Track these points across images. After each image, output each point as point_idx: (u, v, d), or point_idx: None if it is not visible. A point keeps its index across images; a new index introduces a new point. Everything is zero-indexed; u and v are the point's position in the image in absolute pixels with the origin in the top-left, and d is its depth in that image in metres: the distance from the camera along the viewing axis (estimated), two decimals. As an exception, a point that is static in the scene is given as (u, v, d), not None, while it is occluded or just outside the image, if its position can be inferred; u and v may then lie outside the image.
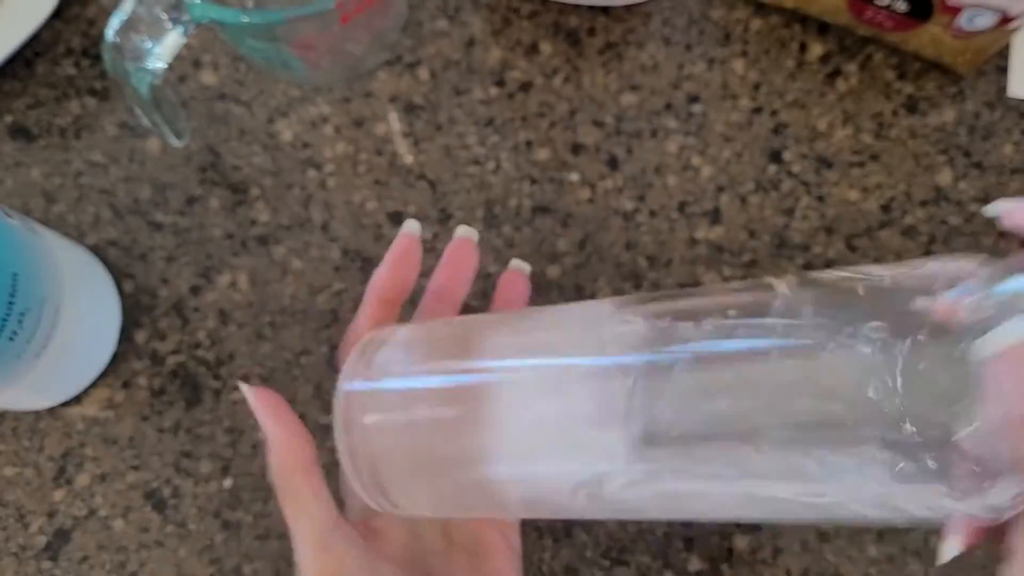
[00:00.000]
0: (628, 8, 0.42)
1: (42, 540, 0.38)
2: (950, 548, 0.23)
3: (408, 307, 0.39)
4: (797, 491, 0.19)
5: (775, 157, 0.41)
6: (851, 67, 0.42)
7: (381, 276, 0.33)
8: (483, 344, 0.24)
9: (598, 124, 0.41)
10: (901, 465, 0.17)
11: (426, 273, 0.40)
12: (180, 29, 0.32)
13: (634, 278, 0.40)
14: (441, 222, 0.40)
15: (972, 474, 0.17)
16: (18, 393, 0.35)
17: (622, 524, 0.37)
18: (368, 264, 0.40)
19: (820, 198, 0.40)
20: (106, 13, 0.43)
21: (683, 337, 0.20)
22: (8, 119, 0.41)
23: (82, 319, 0.36)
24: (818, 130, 0.41)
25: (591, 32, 0.42)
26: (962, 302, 0.18)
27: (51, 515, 0.38)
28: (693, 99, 0.41)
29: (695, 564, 0.37)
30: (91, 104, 0.42)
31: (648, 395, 0.20)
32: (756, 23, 0.42)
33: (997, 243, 0.40)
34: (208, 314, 0.39)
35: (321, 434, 0.38)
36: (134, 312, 0.39)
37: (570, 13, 0.42)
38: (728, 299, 0.20)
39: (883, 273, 0.19)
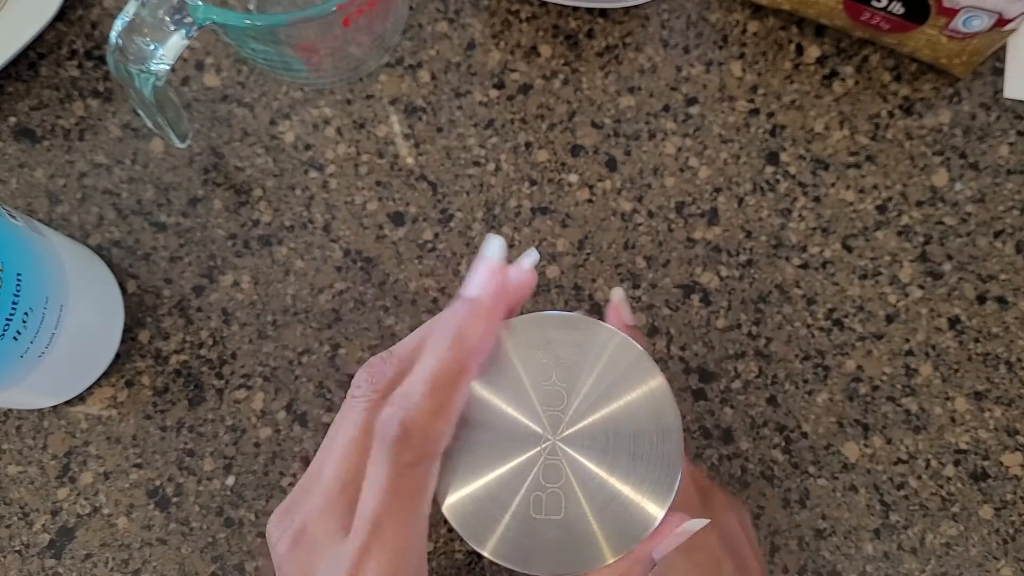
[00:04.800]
0: (626, 11, 0.43)
1: (45, 538, 0.38)
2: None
3: (410, 307, 0.40)
4: None
5: (772, 158, 0.41)
6: (847, 69, 0.42)
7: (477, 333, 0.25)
8: None
9: (597, 126, 0.42)
10: None
11: (427, 273, 0.40)
12: (183, 32, 0.32)
13: (632, 278, 0.40)
14: (442, 223, 0.40)
15: None
16: (22, 392, 0.35)
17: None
18: (369, 264, 0.40)
19: (817, 199, 0.41)
20: (108, 15, 0.43)
21: None
22: (12, 120, 0.42)
23: (86, 319, 0.36)
24: (815, 131, 0.41)
25: (590, 35, 0.42)
26: None
27: (55, 513, 0.38)
28: (691, 101, 0.42)
29: (693, 561, 0.37)
30: (95, 106, 0.42)
31: None
32: (753, 25, 0.43)
33: (992, 243, 0.40)
34: (211, 314, 0.40)
35: (323, 432, 0.39)
36: (137, 312, 0.40)
37: (569, 16, 0.43)
38: None
39: None
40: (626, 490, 0.26)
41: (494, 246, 0.26)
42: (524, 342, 0.27)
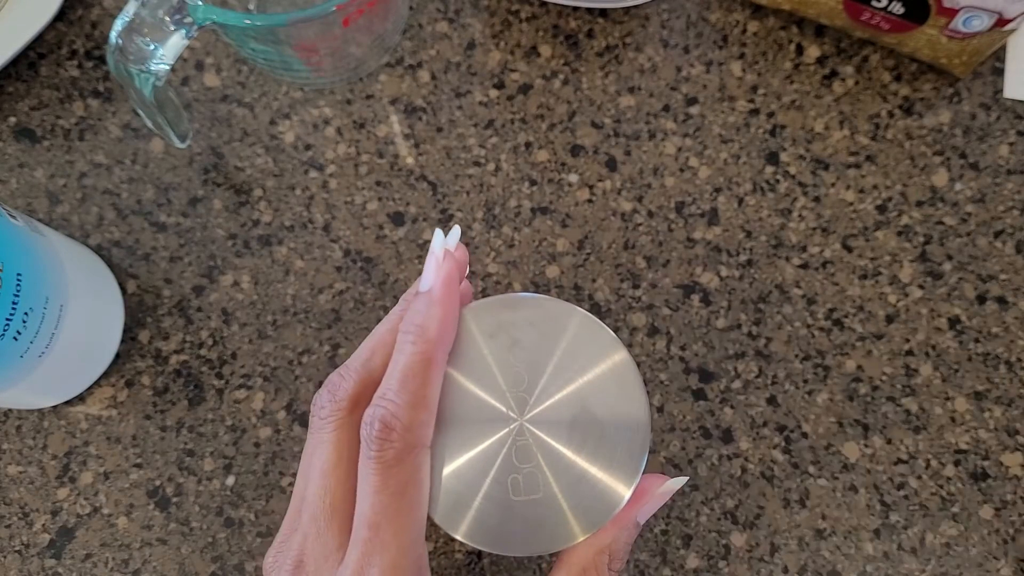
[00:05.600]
0: (626, 11, 0.43)
1: (45, 538, 0.38)
2: None
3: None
4: None
5: (772, 158, 0.41)
6: (848, 69, 0.42)
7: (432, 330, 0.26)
8: None
9: (597, 126, 0.41)
10: None
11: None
12: (183, 31, 0.32)
13: (632, 278, 0.40)
14: (442, 223, 0.40)
15: None
16: (22, 392, 0.35)
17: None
18: (369, 264, 0.40)
19: (817, 199, 0.41)
20: (109, 15, 0.43)
21: None
22: (12, 120, 0.42)
23: (86, 318, 0.36)
24: (815, 131, 0.41)
25: (590, 35, 0.42)
26: None
27: (55, 513, 0.38)
28: (691, 101, 0.42)
29: (693, 561, 0.37)
30: (95, 106, 0.42)
31: None
32: (753, 25, 0.43)
33: (992, 243, 0.40)
34: (211, 314, 0.40)
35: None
36: (137, 312, 0.40)
37: (569, 16, 0.43)
38: None
39: None
40: (594, 469, 0.26)
41: (437, 239, 0.27)
42: (489, 324, 0.27)
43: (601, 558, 0.26)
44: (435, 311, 0.26)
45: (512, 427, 0.26)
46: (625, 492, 0.26)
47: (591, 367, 0.26)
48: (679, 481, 0.27)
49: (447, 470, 0.26)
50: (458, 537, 0.25)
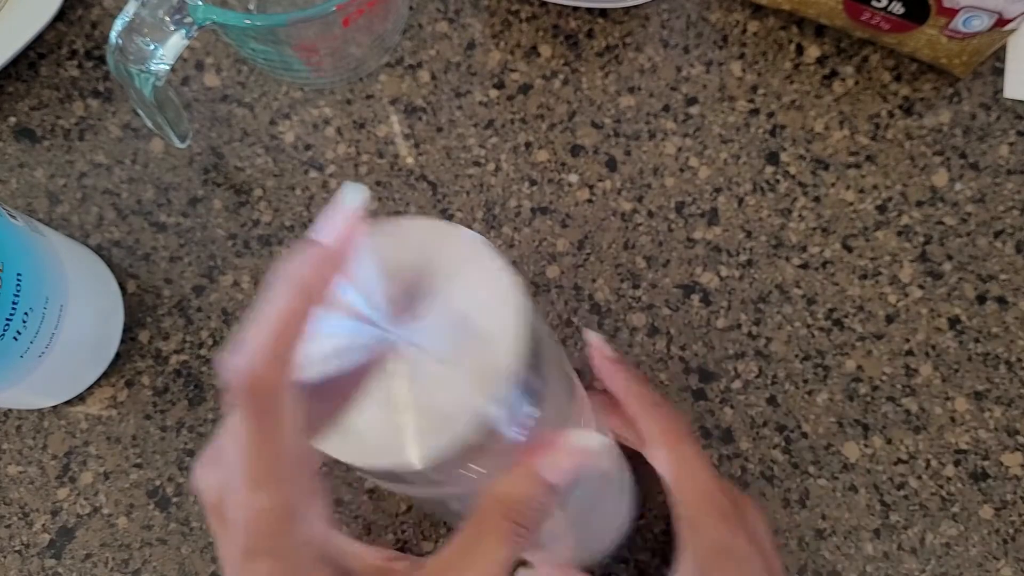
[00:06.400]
0: (626, 11, 0.43)
1: (46, 538, 0.38)
2: None
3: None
4: None
5: (772, 158, 0.41)
6: (848, 69, 0.42)
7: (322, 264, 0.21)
8: None
9: (597, 126, 0.42)
10: None
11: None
12: (183, 31, 0.32)
13: (632, 278, 0.40)
14: (441, 223, 0.40)
15: None
16: (22, 392, 0.35)
17: (621, 522, 0.37)
18: (369, 264, 0.40)
19: (817, 199, 0.41)
20: (109, 15, 0.43)
21: None
22: (12, 120, 0.42)
23: (86, 318, 0.36)
24: (815, 131, 0.41)
25: (590, 35, 0.42)
26: None
27: (55, 513, 0.38)
28: (691, 101, 0.42)
29: (693, 561, 0.37)
30: (95, 106, 0.42)
31: None
32: (753, 25, 0.43)
33: (992, 243, 0.40)
34: (211, 314, 0.40)
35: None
36: (137, 312, 0.40)
37: (569, 16, 0.43)
38: None
39: None
40: (462, 372, 0.24)
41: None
42: (364, 246, 0.26)
43: (494, 504, 0.22)
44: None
45: (383, 344, 0.25)
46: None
47: (466, 281, 0.25)
48: (593, 438, 0.22)
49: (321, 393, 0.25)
50: (342, 459, 0.24)
